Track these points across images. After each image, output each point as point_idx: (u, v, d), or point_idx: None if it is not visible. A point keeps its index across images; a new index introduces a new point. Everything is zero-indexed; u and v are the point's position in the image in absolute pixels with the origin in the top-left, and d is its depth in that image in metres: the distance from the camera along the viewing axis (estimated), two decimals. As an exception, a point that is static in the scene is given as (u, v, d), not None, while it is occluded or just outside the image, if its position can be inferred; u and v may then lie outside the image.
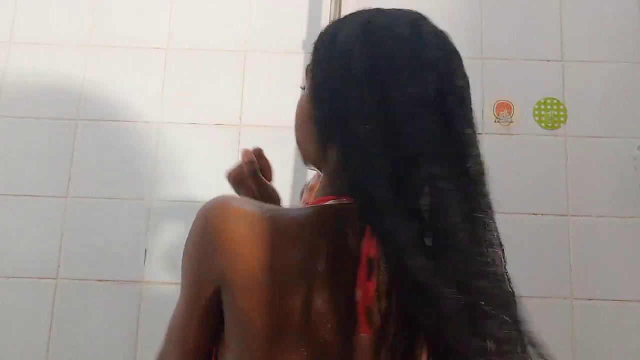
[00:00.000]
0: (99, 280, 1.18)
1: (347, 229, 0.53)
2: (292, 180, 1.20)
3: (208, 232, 0.54)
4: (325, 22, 1.26)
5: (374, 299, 0.51)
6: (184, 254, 0.57)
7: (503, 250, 0.57)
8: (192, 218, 0.59)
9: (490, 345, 0.50)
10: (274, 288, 0.52)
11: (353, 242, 0.52)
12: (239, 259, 0.52)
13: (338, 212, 0.54)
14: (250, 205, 0.56)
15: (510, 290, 0.56)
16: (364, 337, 0.52)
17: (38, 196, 1.21)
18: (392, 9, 0.64)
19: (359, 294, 0.51)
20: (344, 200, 0.55)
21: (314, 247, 0.52)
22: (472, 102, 0.61)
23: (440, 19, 0.66)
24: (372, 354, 0.53)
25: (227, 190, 0.71)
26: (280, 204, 0.74)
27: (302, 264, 0.52)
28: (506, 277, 0.56)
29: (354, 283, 0.51)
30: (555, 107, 1.25)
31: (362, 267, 0.51)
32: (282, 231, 0.53)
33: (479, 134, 0.59)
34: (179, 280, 0.57)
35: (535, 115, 1.25)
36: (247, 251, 0.52)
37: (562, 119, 1.25)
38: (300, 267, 0.52)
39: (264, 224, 0.53)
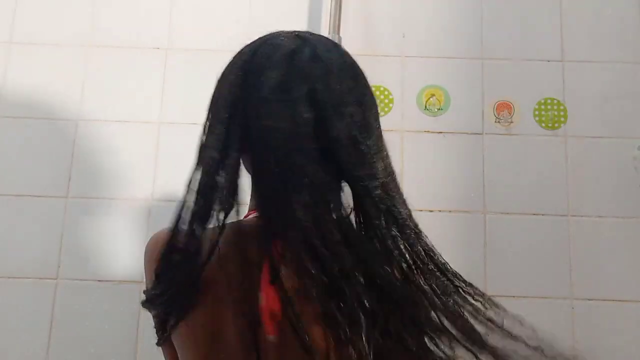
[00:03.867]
0: (99, 280, 1.18)
1: (252, 241, 0.56)
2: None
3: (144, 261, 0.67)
4: (325, 22, 1.26)
5: (276, 302, 0.54)
6: None
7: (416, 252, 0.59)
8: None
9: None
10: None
11: (257, 252, 0.56)
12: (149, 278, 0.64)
13: (246, 227, 0.58)
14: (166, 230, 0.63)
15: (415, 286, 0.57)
16: (271, 338, 0.54)
17: (38, 196, 1.21)
18: (279, 37, 0.63)
19: (262, 298, 0.54)
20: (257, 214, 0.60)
21: (221, 257, 0.57)
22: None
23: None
24: (278, 355, 0.55)
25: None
26: None
27: (208, 273, 0.57)
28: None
29: (259, 288, 0.55)
30: (555, 107, 1.25)
31: (264, 272, 0.54)
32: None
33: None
34: (179, 281, 0.58)
35: (535, 115, 1.25)
36: (152, 268, 0.63)
37: (562, 119, 1.25)
38: (209, 276, 0.57)
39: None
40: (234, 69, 0.62)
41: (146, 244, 0.69)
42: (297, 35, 0.63)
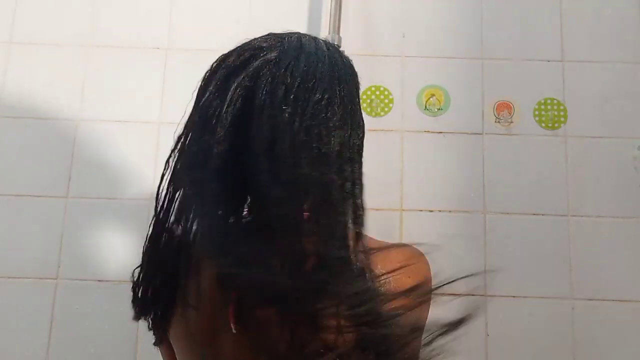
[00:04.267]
0: (99, 280, 1.18)
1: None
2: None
3: None
4: (325, 22, 1.26)
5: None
6: None
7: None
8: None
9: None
10: None
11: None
12: None
13: None
14: None
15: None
16: (234, 330, 0.56)
17: (38, 196, 1.21)
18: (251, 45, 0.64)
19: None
20: None
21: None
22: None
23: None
24: (240, 346, 0.57)
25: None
26: None
27: None
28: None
29: None
30: (555, 107, 1.25)
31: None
32: None
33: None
34: (179, 281, 0.59)
35: (535, 115, 1.25)
36: None
37: (562, 119, 1.25)
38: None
39: None
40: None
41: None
42: (283, 39, 0.64)
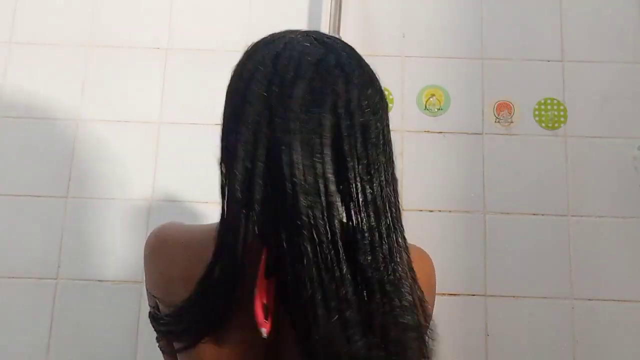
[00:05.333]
0: (99, 280, 1.18)
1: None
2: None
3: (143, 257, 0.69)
4: (325, 22, 1.26)
5: (269, 297, 0.55)
6: None
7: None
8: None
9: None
10: (168, 292, 0.64)
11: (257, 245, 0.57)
12: (152, 277, 0.67)
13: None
14: (167, 229, 0.68)
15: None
16: (263, 331, 0.54)
17: (38, 196, 1.21)
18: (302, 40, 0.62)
19: (256, 291, 0.55)
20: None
21: (202, 255, 0.58)
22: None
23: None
24: (267, 349, 0.57)
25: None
26: None
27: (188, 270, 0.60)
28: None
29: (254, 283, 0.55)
30: (555, 107, 1.25)
31: (261, 266, 0.56)
32: (177, 245, 0.65)
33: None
34: (179, 281, 0.58)
35: (535, 115, 1.25)
36: (153, 267, 0.67)
37: (562, 119, 1.25)
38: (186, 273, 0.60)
39: (166, 242, 0.66)
40: (257, 75, 0.59)
41: (150, 239, 0.69)
42: (316, 40, 0.62)
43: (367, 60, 0.64)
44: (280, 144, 0.55)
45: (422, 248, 0.69)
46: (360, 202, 0.56)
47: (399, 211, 0.61)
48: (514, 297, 1.16)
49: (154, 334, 0.68)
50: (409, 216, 1.20)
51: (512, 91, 1.26)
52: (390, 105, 1.25)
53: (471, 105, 1.26)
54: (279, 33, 0.64)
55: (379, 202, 0.57)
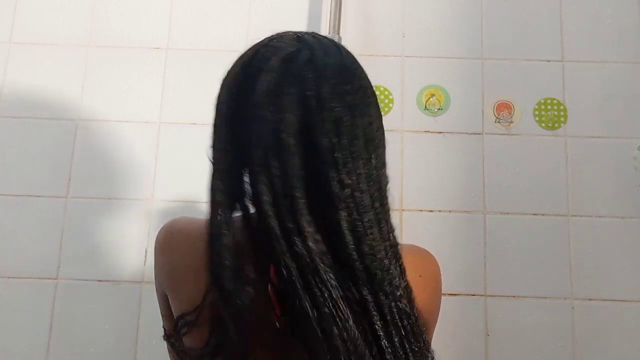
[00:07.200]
0: (99, 280, 1.18)
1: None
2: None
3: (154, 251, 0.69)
4: (325, 22, 1.26)
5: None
6: None
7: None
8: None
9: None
10: (179, 286, 0.63)
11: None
12: (163, 269, 0.66)
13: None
14: (177, 222, 0.68)
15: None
16: (281, 320, 0.54)
17: (38, 196, 1.21)
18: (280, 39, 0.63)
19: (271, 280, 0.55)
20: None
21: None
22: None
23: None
24: (284, 336, 0.56)
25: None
26: None
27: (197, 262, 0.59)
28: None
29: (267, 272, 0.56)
30: (555, 107, 1.25)
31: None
32: (187, 237, 0.65)
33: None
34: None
35: (535, 115, 1.25)
36: (163, 259, 0.66)
37: (562, 119, 1.25)
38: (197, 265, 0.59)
39: (175, 235, 0.66)
40: (234, 70, 0.62)
41: (160, 233, 0.69)
42: (298, 37, 0.62)
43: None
44: (247, 136, 0.57)
45: (426, 249, 0.69)
46: (335, 197, 0.55)
47: (385, 207, 0.58)
48: (514, 297, 1.16)
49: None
50: (409, 216, 1.20)
51: (512, 91, 1.26)
52: (390, 105, 1.26)
53: (471, 105, 1.26)
54: (274, 34, 0.65)
55: (357, 196, 0.55)
